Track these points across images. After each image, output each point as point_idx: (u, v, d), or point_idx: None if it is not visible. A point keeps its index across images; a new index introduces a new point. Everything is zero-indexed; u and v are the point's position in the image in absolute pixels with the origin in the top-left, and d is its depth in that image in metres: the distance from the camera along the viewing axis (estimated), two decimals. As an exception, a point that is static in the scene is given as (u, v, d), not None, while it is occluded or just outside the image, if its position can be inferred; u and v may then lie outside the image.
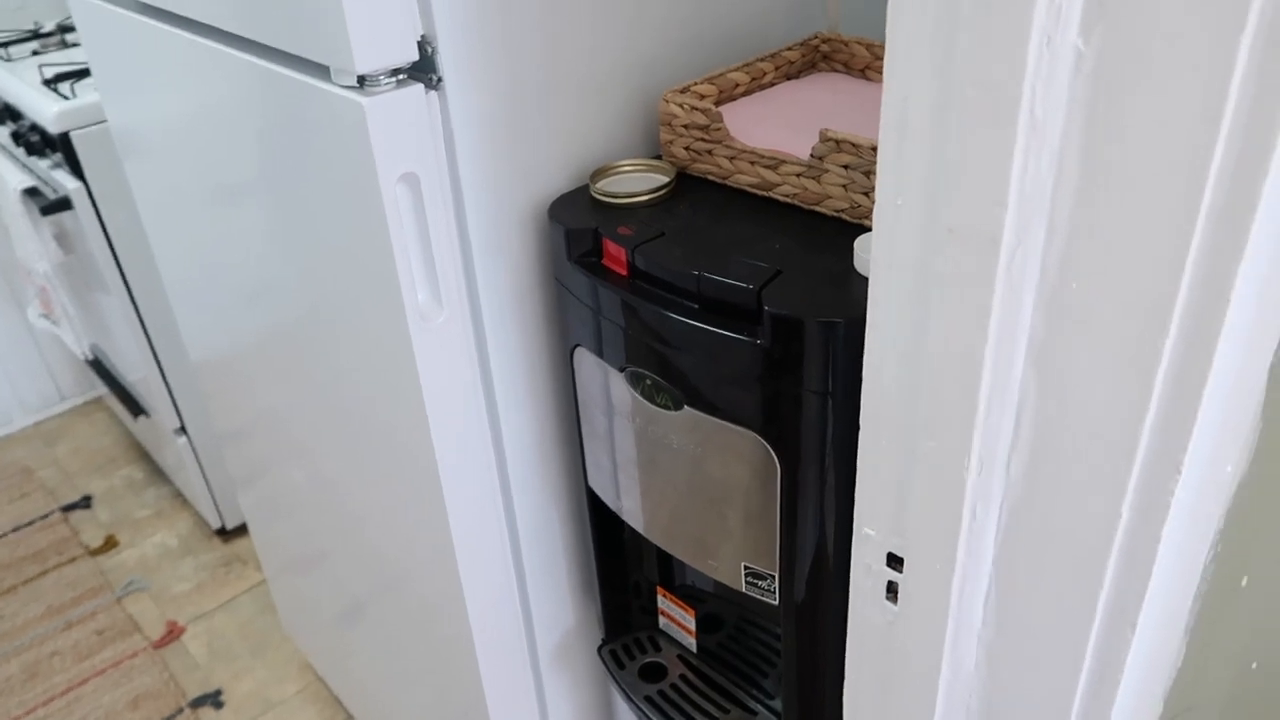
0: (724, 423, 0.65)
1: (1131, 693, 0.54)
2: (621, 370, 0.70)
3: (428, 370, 0.75)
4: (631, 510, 0.78)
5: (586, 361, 0.75)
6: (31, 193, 1.56)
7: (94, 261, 1.58)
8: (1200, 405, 0.42)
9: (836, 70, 0.87)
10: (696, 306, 0.63)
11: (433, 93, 0.68)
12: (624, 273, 0.68)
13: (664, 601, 0.91)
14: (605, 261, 0.69)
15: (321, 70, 0.69)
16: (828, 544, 0.65)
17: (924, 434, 0.51)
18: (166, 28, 0.88)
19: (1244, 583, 0.59)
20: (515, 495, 0.86)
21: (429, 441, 0.78)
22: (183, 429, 1.72)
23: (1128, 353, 0.42)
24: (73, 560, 1.84)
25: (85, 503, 1.98)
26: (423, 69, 0.67)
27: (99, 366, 1.92)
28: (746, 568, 0.70)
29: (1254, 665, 0.61)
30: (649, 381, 0.68)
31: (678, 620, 0.91)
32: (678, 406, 0.67)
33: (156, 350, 1.65)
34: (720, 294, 0.62)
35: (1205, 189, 0.37)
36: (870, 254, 0.50)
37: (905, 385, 0.51)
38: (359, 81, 0.66)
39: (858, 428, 0.56)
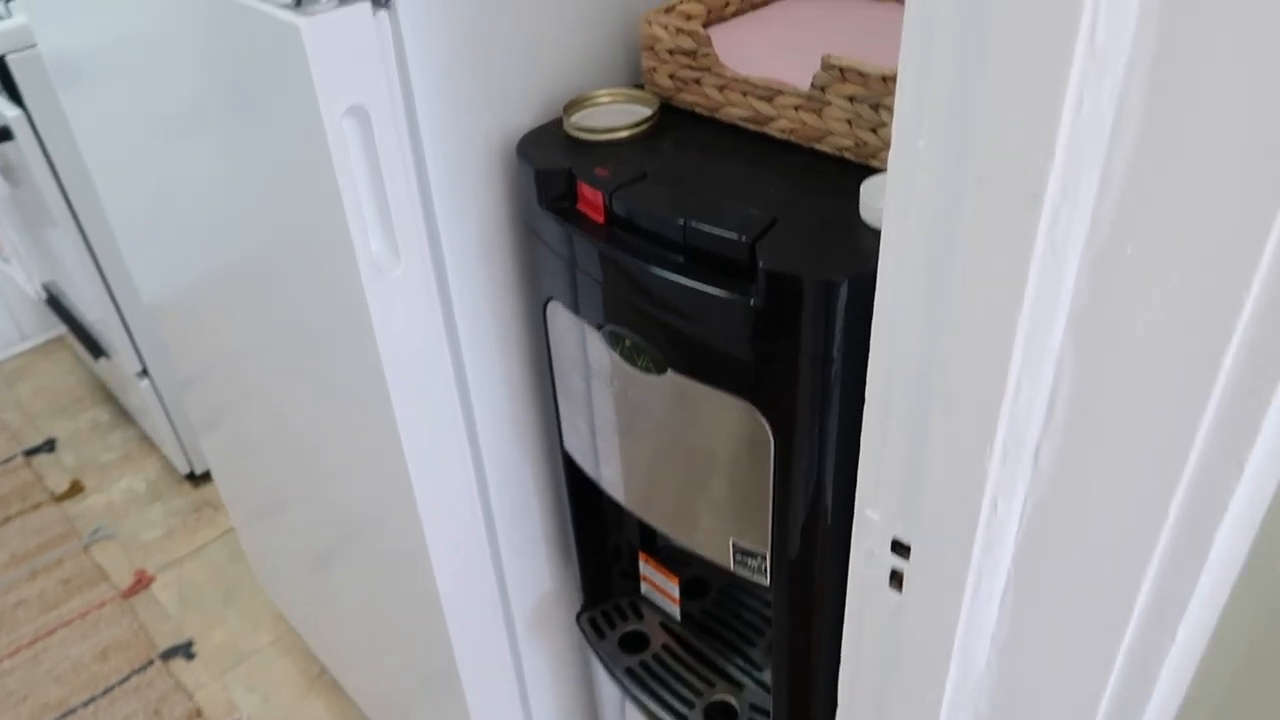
0: (712, 389, 0.58)
1: (1161, 702, 0.49)
2: (599, 329, 0.63)
3: (384, 327, 0.68)
4: (611, 479, 0.72)
5: (561, 317, 0.67)
6: (-30, 121, 1.45)
7: (40, 195, 1.49)
8: (1276, 396, 0.35)
9: (839, -12, 0.78)
10: (682, 259, 0.56)
11: (382, 11, 0.59)
12: (601, 220, 0.60)
13: (646, 567, 0.86)
14: (580, 206, 0.62)
15: (253, -16, 0.60)
16: (824, 523, 0.59)
17: (940, 410, 0.44)
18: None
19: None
20: (485, 455, 0.80)
21: (387, 401, 0.72)
22: (145, 372, 1.64)
23: (1191, 330, 0.35)
24: (37, 507, 1.77)
25: (49, 446, 1.91)
26: (369, -16, 0.59)
27: (57, 305, 1.84)
28: (735, 545, 0.64)
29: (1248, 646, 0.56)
30: (629, 342, 0.61)
31: (660, 587, 0.86)
32: (660, 370, 0.60)
33: (112, 288, 1.56)
34: (709, 245, 0.55)
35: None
36: (882, 203, 0.43)
37: (920, 354, 0.44)
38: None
39: (861, 398, 0.50)
